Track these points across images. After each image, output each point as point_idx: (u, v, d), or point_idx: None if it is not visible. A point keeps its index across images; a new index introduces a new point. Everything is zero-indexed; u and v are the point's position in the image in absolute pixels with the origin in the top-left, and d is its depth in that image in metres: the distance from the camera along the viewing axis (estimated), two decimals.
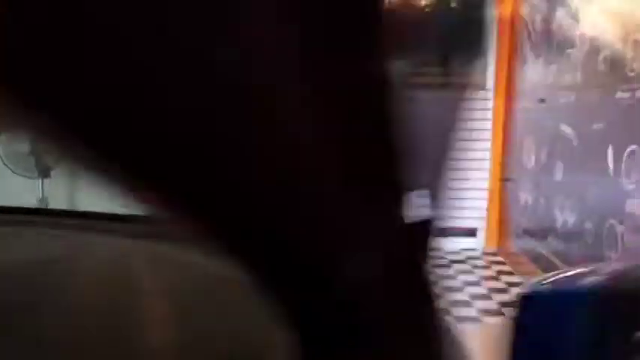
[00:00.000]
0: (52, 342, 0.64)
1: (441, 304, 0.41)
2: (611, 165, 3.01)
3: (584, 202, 3.44)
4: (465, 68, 0.46)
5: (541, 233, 4.26)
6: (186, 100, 0.28)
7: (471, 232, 5.70)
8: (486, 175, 5.62)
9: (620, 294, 0.66)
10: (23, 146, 4.37)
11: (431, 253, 0.40)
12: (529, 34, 4.76)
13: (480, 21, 0.51)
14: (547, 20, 4.30)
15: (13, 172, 4.69)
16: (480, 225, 5.69)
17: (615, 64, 3.05)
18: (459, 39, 0.46)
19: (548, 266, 4.03)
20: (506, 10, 5.39)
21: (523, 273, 4.65)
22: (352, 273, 0.33)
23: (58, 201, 4.64)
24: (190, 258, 0.62)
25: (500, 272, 4.87)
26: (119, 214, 0.81)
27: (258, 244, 0.33)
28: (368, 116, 0.33)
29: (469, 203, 5.63)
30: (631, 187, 2.78)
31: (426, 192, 0.36)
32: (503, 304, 4.04)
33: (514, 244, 5.03)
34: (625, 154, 2.84)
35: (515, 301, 0.69)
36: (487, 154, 5.59)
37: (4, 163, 4.66)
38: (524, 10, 4.92)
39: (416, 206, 0.35)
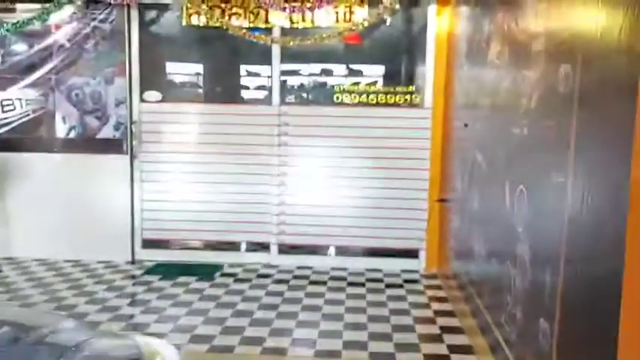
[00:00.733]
0: None
1: None
2: (507, 203, 2.88)
3: (490, 237, 3.32)
4: None
5: (465, 260, 4.14)
6: None
7: (413, 254, 5.57)
8: (426, 195, 5.50)
9: None
10: None
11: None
12: (463, 52, 4.64)
13: None
14: (471, 40, 4.18)
15: None
16: (422, 246, 5.56)
17: (511, 96, 2.93)
18: None
19: (469, 295, 3.91)
20: (444, 29, 5.28)
21: (454, 299, 4.53)
22: None
23: None
24: None
25: (433, 299, 4.74)
26: None
27: None
28: None
29: (411, 224, 5.51)
30: (520, 229, 2.65)
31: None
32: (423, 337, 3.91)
33: (451, 267, 4.89)
34: (516, 193, 2.72)
35: None
36: (427, 174, 5.47)
37: None
38: (460, 28, 4.80)
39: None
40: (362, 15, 5.28)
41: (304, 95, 5.80)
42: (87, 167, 5.61)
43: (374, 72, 5.67)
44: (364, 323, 4.16)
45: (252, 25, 5.42)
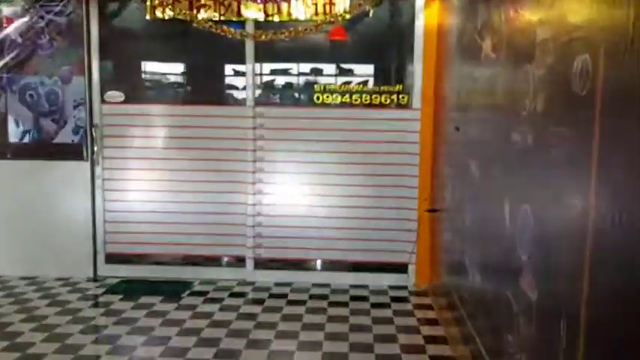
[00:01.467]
0: None
1: None
2: (508, 223, 2.40)
3: (486, 261, 2.84)
4: None
5: (457, 278, 3.66)
6: None
7: (402, 268, 5.09)
8: (416, 204, 5.02)
9: None
10: None
11: None
12: (454, 46, 4.16)
13: None
14: (463, 32, 3.70)
15: None
16: (412, 260, 5.08)
17: (510, 96, 2.45)
18: None
19: (460, 316, 3.43)
20: (434, 22, 4.80)
21: (445, 322, 4.05)
22: None
23: None
24: None
25: (422, 321, 4.26)
26: None
27: None
28: None
29: (400, 235, 5.03)
30: (524, 257, 2.17)
31: None
32: None
33: (443, 284, 4.41)
34: (520, 214, 2.24)
35: None
36: (416, 181, 5.00)
37: None
38: (451, 19, 4.32)
39: None
40: (343, 7, 4.79)
41: (281, 95, 5.31)
42: (43, 175, 5.10)
43: (358, 70, 5.18)
44: (345, 353, 3.68)
45: (223, 18, 4.92)
